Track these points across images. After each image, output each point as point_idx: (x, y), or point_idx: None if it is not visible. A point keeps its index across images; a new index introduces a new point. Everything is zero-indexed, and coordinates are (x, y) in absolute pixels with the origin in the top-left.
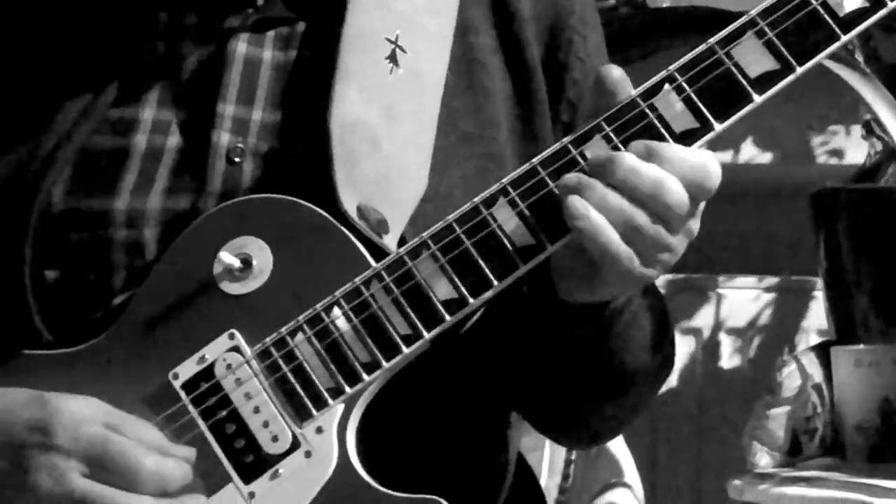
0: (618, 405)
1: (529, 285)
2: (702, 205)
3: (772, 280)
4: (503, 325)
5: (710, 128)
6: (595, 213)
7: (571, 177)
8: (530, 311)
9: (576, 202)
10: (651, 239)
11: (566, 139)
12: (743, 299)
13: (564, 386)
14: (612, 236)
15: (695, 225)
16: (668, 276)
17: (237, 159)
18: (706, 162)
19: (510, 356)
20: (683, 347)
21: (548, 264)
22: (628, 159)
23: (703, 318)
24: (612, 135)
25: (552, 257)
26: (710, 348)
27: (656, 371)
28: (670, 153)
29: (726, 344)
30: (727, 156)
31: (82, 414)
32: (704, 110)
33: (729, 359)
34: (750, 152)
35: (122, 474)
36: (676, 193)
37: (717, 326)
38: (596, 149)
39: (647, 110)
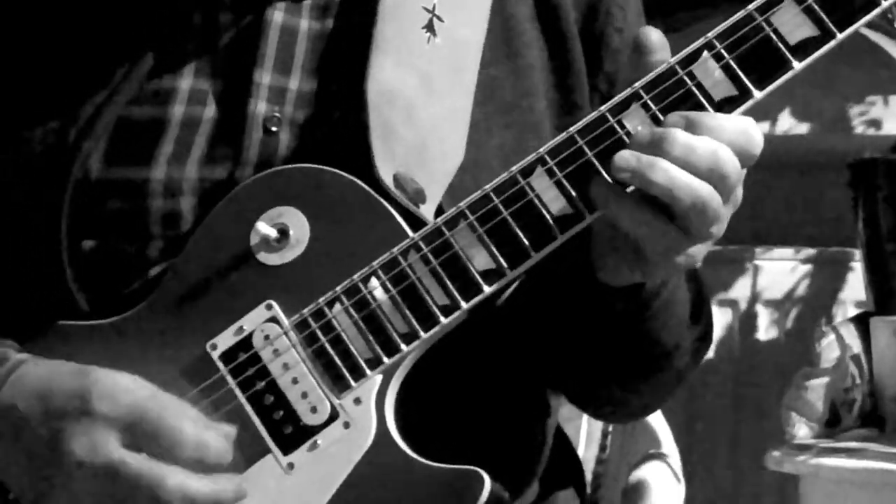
0: (655, 382)
1: (568, 267)
2: (744, 172)
3: (809, 251)
4: (540, 298)
5: (749, 95)
6: (646, 157)
7: (629, 158)
8: (568, 292)
9: (625, 154)
10: (713, 212)
11: (604, 107)
12: (780, 271)
13: (601, 363)
14: (652, 215)
15: (740, 192)
16: None
17: (274, 128)
18: (747, 127)
19: (547, 330)
20: (720, 319)
21: (588, 244)
22: (681, 135)
23: (741, 290)
24: (650, 103)
25: (594, 237)
26: (747, 320)
27: (694, 347)
28: (711, 122)
29: (763, 316)
30: (764, 127)
31: (123, 384)
32: (744, 77)
33: (766, 330)
34: (787, 123)
35: (161, 443)
36: (731, 162)
37: (755, 298)
38: (634, 117)
39: (686, 78)
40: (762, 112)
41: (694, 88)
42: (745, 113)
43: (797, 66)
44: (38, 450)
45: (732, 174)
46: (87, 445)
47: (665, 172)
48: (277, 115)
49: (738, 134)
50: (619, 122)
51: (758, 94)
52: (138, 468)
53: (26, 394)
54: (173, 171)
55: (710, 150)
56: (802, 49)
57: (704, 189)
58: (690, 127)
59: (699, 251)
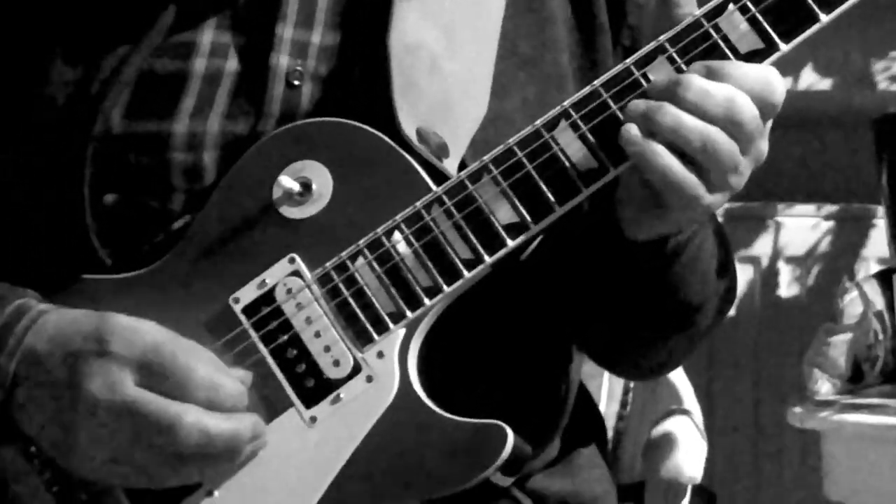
0: (679, 338)
1: (592, 220)
2: (768, 125)
3: (831, 208)
4: (564, 252)
5: (775, 48)
6: (650, 141)
7: (639, 102)
8: (593, 248)
9: (630, 129)
10: (727, 158)
11: (629, 60)
12: (802, 227)
13: (625, 318)
14: (671, 161)
15: (763, 146)
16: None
17: (296, 82)
18: (769, 75)
19: (571, 285)
20: (742, 276)
21: (612, 197)
22: (697, 80)
23: (762, 247)
24: (675, 56)
25: (618, 189)
26: (768, 277)
27: (719, 304)
28: (732, 70)
29: (785, 272)
30: (787, 83)
31: (139, 327)
32: (770, 30)
33: (788, 287)
34: (810, 79)
35: (175, 381)
36: (748, 109)
37: (776, 255)
38: (659, 70)
39: (712, 31)
40: (785, 67)
41: (720, 41)
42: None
43: (824, 19)
44: (57, 391)
45: (749, 121)
46: (104, 385)
47: (673, 116)
48: (300, 69)
49: (759, 82)
50: (644, 76)
51: (784, 48)
52: (156, 406)
53: (46, 338)
54: (196, 124)
55: (725, 95)
56: (829, 1)
57: (714, 131)
58: (711, 74)
59: (717, 201)
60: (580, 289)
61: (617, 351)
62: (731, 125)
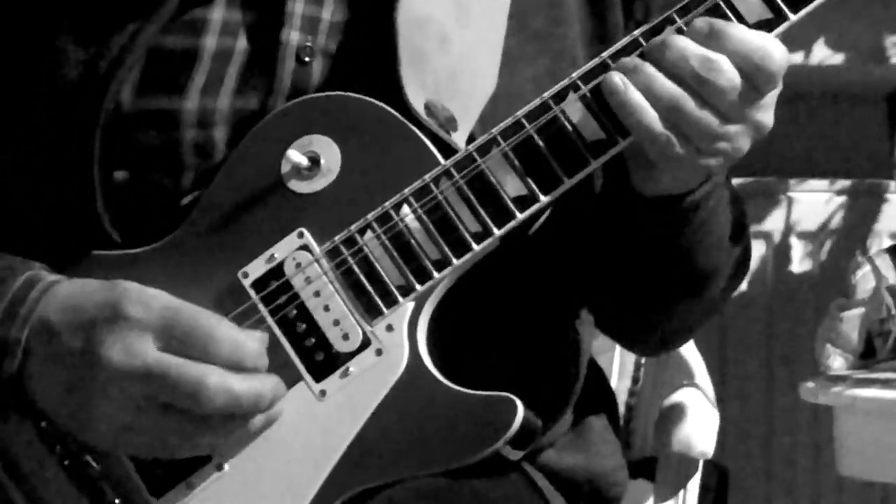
0: (691, 305)
1: (602, 181)
2: (770, 96)
3: (844, 183)
4: (574, 225)
5: (784, 18)
6: (633, 91)
7: (627, 60)
8: (603, 208)
9: (613, 77)
10: (697, 123)
11: (637, 32)
12: (814, 202)
13: (637, 285)
14: (648, 116)
15: (762, 116)
16: (738, 180)
17: (307, 59)
18: (766, 44)
19: (581, 256)
20: (754, 252)
21: (622, 156)
22: (679, 41)
23: (774, 222)
24: (684, 27)
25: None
26: (780, 252)
27: (731, 272)
28: (731, 32)
29: (797, 248)
30: (798, 57)
31: (152, 292)
32: (778, 0)
33: (800, 262)
34: (821, 54)
35: (196, 343)
36: (726, 74)
37: (788, 230)
38: None
39: (720, 1)
40: (796, 42)
41: (728, 11)
42: (780, 39)
43: None
44: (73, 361)
45: (727, 87)
46: (122, 350)
47: (646, 76)
48: (310, 45)
49: (754, 48)
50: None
51: (793, 17)
52: (178, 368)
53: (58, 309)
54: (206, 101)
55: (703, 57)
56: None
57: (680, 95)
58: (711, 33)
59: (713, 165)
60: (589, 255)
61: (629, 320)
62: (707, 89)
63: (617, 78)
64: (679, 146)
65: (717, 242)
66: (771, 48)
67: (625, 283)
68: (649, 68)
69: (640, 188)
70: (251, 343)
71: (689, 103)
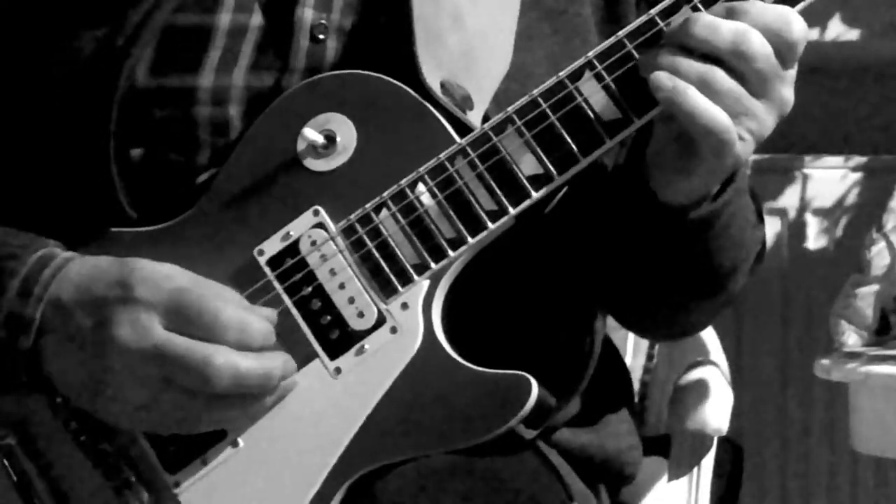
0: (709, 302)
1: (624, 187)
2: (790, 72)
3: (859, 159)
4: (591, 210)
5: None
6: (677, 81)
7: (651, 51)
8: (626, 212)
9: (658, 76)
10: (729, 96)
11: (653, 11)
12: (830, 179)
13: (654, 283)
14: (699, 100)
15: (785, 92)
16: (753, 157)
17: (321, 36)
18: (786, 14)
19: (598, 245)
20: (769, 228)
21: (643, 162)
22: (705, 17)
23: (789, 199)
24: (700, 5)
25: (649, 148)
26: (795, 228)
27: (748, 268)
28: (749, 7)
29: (812, 224)
30: (814, 33)
31: (163, 271)
32: None
33: (815, 239)
34: (837, 30)
35: (203, 324)
36: (757, 43)
37: (804, 207)
38: None
39: None
40: (812, 18)
41: None
42: None
43: None
44: (85, 339)
45: (758, 56)
46: (131, 330)
47: (669, 58)
48: (324, 22)
49: (776, 19)
50: (668, 26)
51: None
52: (185, 348)
53: (70, 287)
54: (221, 78)
55: (733, 28)
56: None
57: (712, 71)
58: (731, 12)
59: (743, 150)
60: (609, 253)
61: (645, 314)
62: (739, 59)
63: (662, 75)
64: (732, 126)
65: (738, 242)
66: (790, 18)
67: (643, 284)
68: (669, 51)
69: (663, 196)
70: (258, 323)
71: (721, 75)
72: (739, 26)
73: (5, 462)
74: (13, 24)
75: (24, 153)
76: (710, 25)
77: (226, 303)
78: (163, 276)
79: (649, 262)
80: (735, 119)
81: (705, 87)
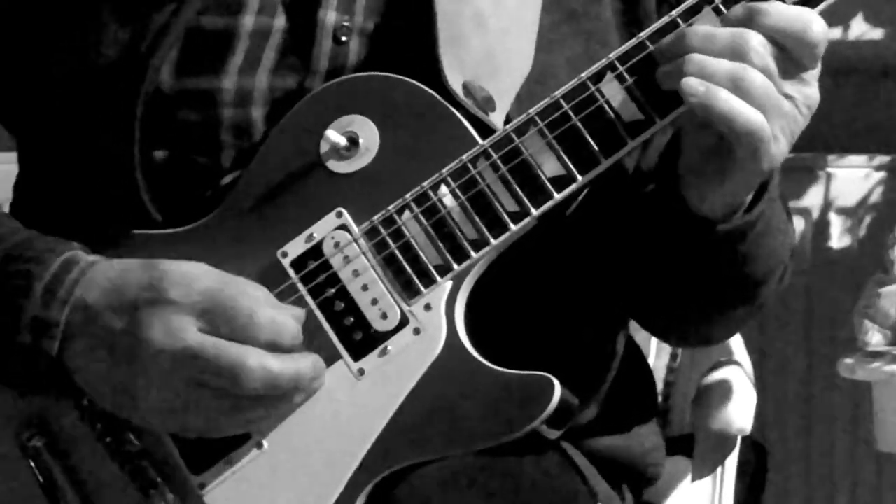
0: (738, 313)
1: (657, 198)
2: (814, 72)
3: (883, 158)
4: (612, 209)
5: None
6: (710, 86)
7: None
8: (658, 225)
9: (688, 81)
10: (760, 94)
11: (675, 12)
12: (853, 178)
13: (685, 293)
14: (734, 102)
15: (810, 91)
16: None
17: (344, 38)
18: (805, 14)
19: (620, 247)
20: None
21: (675, 173)
22: (699, 29)
23: (813, 198)
24: (721, 6)
25: (680, 158)
26: (819, 228)
27: (780, 276)
28: (769, 8)
29: (836, 223)
30: (836, 32)
31: (193, 272)
32: None
33: (839, 238)
34: (859, 28)
35: (236, 325)
36: (755, 43)
37: (827, 206)
38: (705, 21)
39: None
40: (835, 17)
41: None
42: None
43: None
44: (115, 342)
45: (759, 52)
46: (164, 332)
47: (696, 60)
48: (347, 24)
49: (795, 20)
50: (691, 26)
51: None
52: (217, 350)
53: (98, 291)
54: (244, 80)
55: (731, 31)
56: None
57: (739, 67)
58: (750, 14)
59: (776, 153)
60: (637, 261)
61: (674, 323)
62: (741, 60)
63: (692, 81)
64: (766, 125)
65: (770, 253)
66: (810, 18)
67: (674, 294)
68: (697, 56)
69: (695, 207)
70: (290, 323)
71: (750, 70)
72: (736, 30)
73: (32, 463)
74: (39, 27)
75: (49, 156)
76: (711, 32)
77: (258, 302)
78: (193, 276)
79: (682, 273)
80: (767, 118)
81: (737, 87)
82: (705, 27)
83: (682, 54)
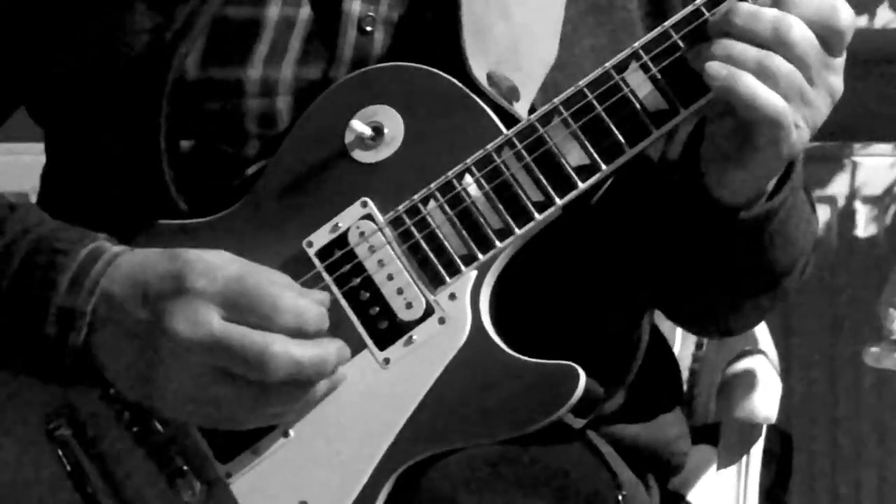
0: (762, 302)
1: (680, 187)
2: (840, 60)
3: None
4: (636, 198)
5: None
6: (732, 70)
7: (700, 44)
8: (682, 215)
9: (712, 65)
10: (785, 81)
11: (699, 1)
12: (879, 166)
13: (709, 281)
14: (756, 86)
15: (835, 80)
16: None
17: (369, 28)
18: (833, 1)
19: (645, 236)
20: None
21: (697, 161)
22: (746, 6)
23: (838, 187)
24: None
25: (703, 145)
26: (845, 217)
27: (804, 264)
28: None
29: (862, 212)
30: (862, 20)
31: (216, 262)
32: None
33: (864, 227)
34: (886, 17)
35: (260, 313)
36: (799, 28)
37: (853, 195)
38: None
39: None
40: (860, 6)
41: None
42: None
43: None
44: (140, 332)
45: (800, 42)
46: (189, 322)
47: (723, 46)
48: (372, 14)
49: (823, 7)
50: (714, 16)
51: None
52: (241, 338)
53: (122, 281)
54: (269, 70)
55: (774, 16)
56: None
57: (768, 55)
58: (778, 2)
59: (798, 139)
60: (661, 250)
61: (698, 312)
62: (781, 46)
63: (716, 65)
64: (788, 109)
65: (794, 241)
66: (837, 6)
67: (698, 283)
68: (723, 41)
69: (718, 194)
70: (314, 308)
71: (776, 58)
72: (779, 14)
73: (60, 452)
74: (66, 18)
75: (75, 146)
76: (752, 14)
77: (282, 289)
78: (216, 266)
79: (705, 261)
80: (790, 105)
81: (762, 73)
82: (750, 6)
83: (727, 30)
